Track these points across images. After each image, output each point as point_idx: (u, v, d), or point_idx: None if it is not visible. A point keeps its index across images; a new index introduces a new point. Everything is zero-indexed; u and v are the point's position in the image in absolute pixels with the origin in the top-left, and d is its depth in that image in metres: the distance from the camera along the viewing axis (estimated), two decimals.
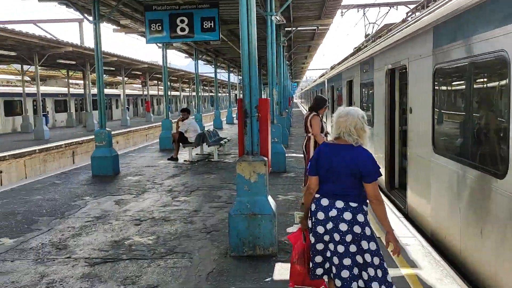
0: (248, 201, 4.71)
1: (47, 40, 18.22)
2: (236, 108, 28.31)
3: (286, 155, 10.27)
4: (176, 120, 13.02)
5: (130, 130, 25.51)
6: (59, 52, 20.28)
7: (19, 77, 25.74)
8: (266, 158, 4.84)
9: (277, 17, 11.42)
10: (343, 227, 3.00)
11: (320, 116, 6.41)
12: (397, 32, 7.34)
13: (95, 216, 6.49)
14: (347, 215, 3.00)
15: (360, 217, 3.02)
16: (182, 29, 9.86)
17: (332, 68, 21.30)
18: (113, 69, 30.12)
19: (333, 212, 3.03)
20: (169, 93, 16.34)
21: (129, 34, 14.96)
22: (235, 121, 31.26)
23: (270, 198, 4.86)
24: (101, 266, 4.51)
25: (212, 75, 54.33)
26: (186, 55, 24.48)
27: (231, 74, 32.68)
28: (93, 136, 10.21)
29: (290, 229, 5.43)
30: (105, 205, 7.17)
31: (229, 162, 11.76)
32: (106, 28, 14.15)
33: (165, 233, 5.61)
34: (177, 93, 49.39)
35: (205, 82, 51.47)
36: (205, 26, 9.82)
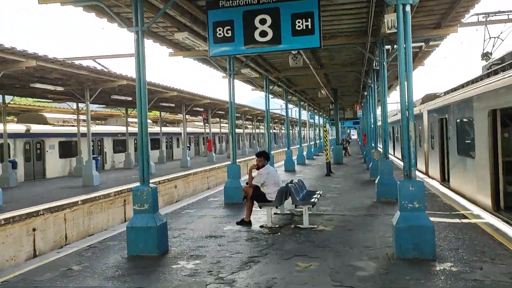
0: None
1: (97, 72, 15.73)
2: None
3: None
4: (248, 166, 9.52)
5: (190, 173, 22.53)
6: (112, 87, 17.91)
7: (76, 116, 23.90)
8: None
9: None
10: None
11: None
12: None
13: None
14: None
15: None
16: (263, 34, 6.45)
17: (435, 96, 17.13)
18: (173, 105, 27.77)
19: None
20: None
21: (188, 57, 11.97)
22: (307, 161, 27.39)
23: None
24: None
25: (277, 111, 51.46)
26: (253, 87, 21.49)
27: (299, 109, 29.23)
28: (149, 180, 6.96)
29: None
30: None
31: (327, 230, 7.92)
32: (162, 55, 11.25)
33: None
34: (240, 130, 46.76)
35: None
36: (298, 26, 6.34)
